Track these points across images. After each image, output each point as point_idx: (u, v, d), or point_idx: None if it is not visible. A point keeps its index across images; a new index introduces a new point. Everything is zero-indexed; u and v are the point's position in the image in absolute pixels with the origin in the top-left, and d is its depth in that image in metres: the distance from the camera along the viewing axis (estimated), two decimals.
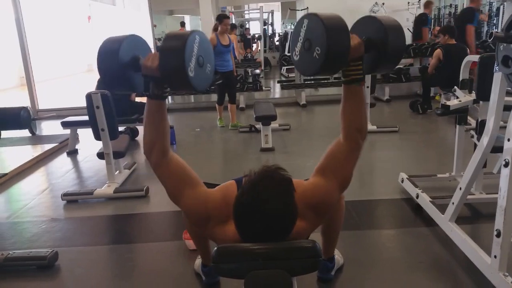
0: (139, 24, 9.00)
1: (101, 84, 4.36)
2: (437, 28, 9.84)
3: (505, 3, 1.80)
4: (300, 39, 1.37)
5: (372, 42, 1.41)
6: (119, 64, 1.34)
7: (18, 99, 8.35)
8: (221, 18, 5.13)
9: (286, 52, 9.97)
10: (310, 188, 1.46)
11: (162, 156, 1.46)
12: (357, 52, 1.39)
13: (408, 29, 10.34)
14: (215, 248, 1.25)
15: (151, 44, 7.60)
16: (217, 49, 5.04)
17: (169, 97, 7.46)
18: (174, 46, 1.28)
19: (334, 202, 1.54)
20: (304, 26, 1.35)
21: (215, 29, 5.17)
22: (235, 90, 5.68)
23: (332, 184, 1.47)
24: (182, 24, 11.32)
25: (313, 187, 1.47)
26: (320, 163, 1.53)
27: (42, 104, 7.34)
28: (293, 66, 7.18)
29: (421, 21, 7.80)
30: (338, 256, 2.10)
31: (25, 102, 6.76)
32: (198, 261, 2.11)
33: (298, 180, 1.53)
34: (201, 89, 1.40)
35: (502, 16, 8.76)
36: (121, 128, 4.22)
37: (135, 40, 1.44)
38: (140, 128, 5.04)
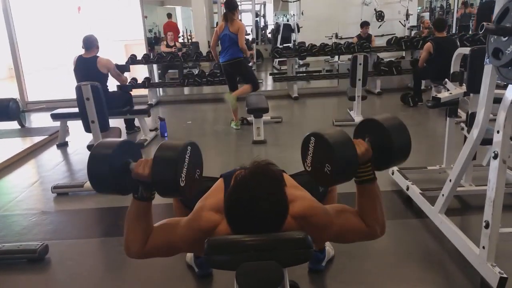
0: (129, 15, 8.89)
1: (78, 71, 4.32)
2: (427, 21, 9.90)
3: None
4: (310, 154, 1.41)
5: (377, 143, 1.44)
6: (110, 169, 1.35)
7: (7, 91, 8.23)
8: (234, 7, 4.91)
9: (278, 44, 9.93)
10: (317, 214, 1.41)
11: (140, 250, 1.43)
12: (364, 157, 1.39)
13: (400, 21, 10.38)
14: (206, 240, 1.25)
15: (142, 35, 7.53)
16: (223, 37, 4.85)
17: (160, 89, 7.41)
18: (168, 158, 1.32)
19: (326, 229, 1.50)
20: (312, 143, 1.40)
21: (225, 18, 4.89)
22: (249, 75, 5.12)
23: (333, 222, 1.44)
24: (169, 15, 11.21)
25: (312, 207, 1.42)
26: (335, 210, 1.49)
27: (32, 96, 7.25)
28: (285, 59, 7.21)
29: (489, 8, 7.71)
30: (328, 247, 2.11)
31: (14, 94, 6.67)
32: (190, 253, 2.11)
33: (291, 179, 1.53)
34: (191, 196, 1.41)
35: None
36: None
37: (127, 145, 1.46)
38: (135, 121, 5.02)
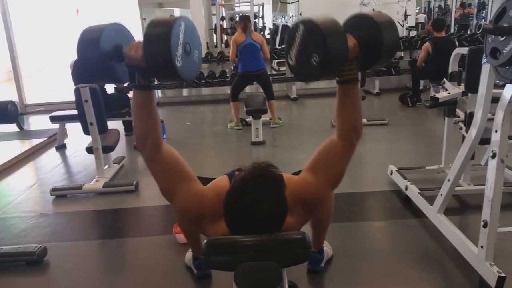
0: (128, 17, 8.89)
1: (76, 75, 4.30)
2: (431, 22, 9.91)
3: None
4: (296, 44, 1.32)
5: (365, 40, 1.37)
6: (100, 53, 1.26)
7: (5, 94, 8.23)
8: (247, 19, 4.94)
9: (276, 46, 9.94)
10: (301, 184, 1.46)
11: (155, 149, 1.42)
12: (352, 53, 1.35)
13: (398, 22, 10.39)
14: (205, 240, 1.25)
15: (140, 37, 7.50)
16: (247, 46, 4.78)
17: (159, 91, 7.41)
18: (159, 35, 1.21)
19: (324, 198, 1.54)
20: (300, 31, 1.30)
21: (244, 27, 4.84)
22: (271, 86, 5.08)
23: (323, 181, 1.47)
24: None
25: (304, 183, 1.46)
26: (312, 160, 1.52)
27: (30, 99, 7.25)
28: (284, 60, 7.19)
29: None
30: (327, 248, 2.11)
31: (13, 97, 6.66)
32: (189, 255, 2.11)
33: (289, 175, 1.52)
34: (190, 79, 1.34)
35: (491, 9, 8.83)
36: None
37: (118, 29, 1.37)
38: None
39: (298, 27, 1.31)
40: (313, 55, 1.25)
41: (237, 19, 12.49)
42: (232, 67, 6.59)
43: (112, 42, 1.30)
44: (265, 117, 4.71)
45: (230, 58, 5.16)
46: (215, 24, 11.75)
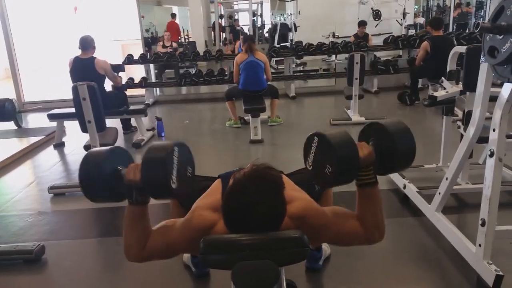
0: (126, 15, 8.87)
1: (74, 72, 4.30)
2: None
3: None
4: (312, 153, 1.41)
5: (381, 148, 1.42)
6: (102, 176, 1.37)
7: (3, 92, 8.20)
8: (252, 41, 4.86)
9: (275, 44, 9.93)
10: (314, 215, 1.41)
11: (139, 253, 1.43)
12: (367, 161, 1.38)
13: (397, 20, 10.40)
14: (202, 239, 1.25)
15: (138, 35, 7.51)
16: (249, 63, 4.67)
17: (157, 89, 7.40)
18: (155, 161, 1.32)
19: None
20: (315, 143, 1.39)
21: (249, 49, 4.73)
22: (275, 91, 5.05)
23: (329, 227, 1.43)
24: (173, 15, 11.20)
25: (309, 207, 1.42)
26: (333, 212, 1.47)
27: (28, 97, 7.23)
28: (283, 58, 7.20)
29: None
30: (325, 246, 2.11)
31: (11, 95, 6.65)
32: (187, 253, 2.11)
33: (290, 182, 1.51)
34: (185, 193, 1.43)
35: (489, 7, 8.84)
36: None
37: (117, 152, 1.48)
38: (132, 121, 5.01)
39: (314, 138, 1.40)
40: (327, 165, 1.34)
41: (236, 17, 12.50)
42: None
43: (111, 165, 1.41)
44: (263, 116, 4.71)
45: (233, 79, 5.02)
46: (213, 22, 11.73)
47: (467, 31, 9.14)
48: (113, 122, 4.47)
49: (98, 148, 1.50)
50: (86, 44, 4.36)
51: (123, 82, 5.05)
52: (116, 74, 4.63)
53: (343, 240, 1.49)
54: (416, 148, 1.45)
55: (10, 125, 5.03)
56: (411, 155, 1.46)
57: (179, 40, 10.51)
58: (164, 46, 8.44)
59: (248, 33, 4.99)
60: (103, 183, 1.38)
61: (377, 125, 1.46)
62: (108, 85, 4.64)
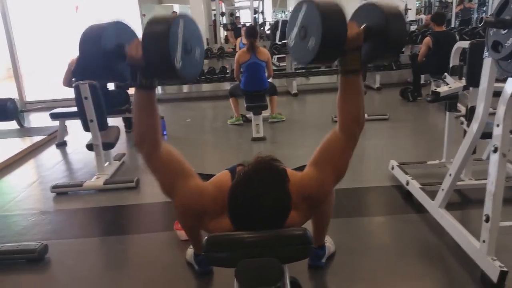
0: (127, 13, 8.89)
1: (78, 72, 4.30)
2: (429, 16, 9.87)
3: None
4: (297, 25, 1.31)
5: (372, 30, 1.35)
6: (102, 52, 1.25)
7: (5, 92, 8.22)
8: (253, 37, 4.75)
9: (277, 41, 9.90)
10: (305, 180, 1.45)
11: (154, 148, 1.42)
12: (354, 42, 1.32)
13: None
14: (206, 237, 1.24)
15: (140, 34, 7.50)
16: (251, 65, 4.63)
17: (159, 87, 7.40)
18: (157, 34, 1.20)
19: (328, 194, 1.53)
20: (302, 12, 1.28)
21: (251, 47, 4.65)
22: (274, 88, 5.03)
23: (327, 175, 1.46)
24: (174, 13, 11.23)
25: (308, 179, 1.46)
26: (315, 154, 1.51)
27: (30, 96, 7.24)
28: (285, 55, 7.18)
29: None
30: (329, 243, 2.11)
31: (13, 94, 6.65)
32: (190, 251, 2.11)
33: (293, 171, 1.52)
34: (191, 79, 1.32)
35: (492, 3, 8.79)
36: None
37: (121, 27, 1.36)
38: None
39: (302, 6, 1.29)
40: (311, 37, 1.24)
41: (237, 14, 12.47)
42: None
43: (114, 40, 1.29)
44: (265, 113, 4.70)
45: (234, 76, 5.00)
46: (213, 20, 11.72)
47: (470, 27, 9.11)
48: (115, 121, 4.47)
49: (98, 22, 1.35)
50: None
51: None
52: None
53: (338, 163, 1.49)
54: (407, 33, 1.41)
55: (13, 125, 5.04)
56: (402, 39, 1.40)
57: None
58: None
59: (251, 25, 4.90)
60: (104, 59, 1.26)
61: (371, 7, 1.40)
62: (111, 84, 4.64)
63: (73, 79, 4.27)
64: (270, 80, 4.98)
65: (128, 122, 5.02)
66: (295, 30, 1.31)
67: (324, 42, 1.22)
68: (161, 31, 1.19)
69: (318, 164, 1.48)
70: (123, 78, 1.36)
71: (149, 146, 1.41)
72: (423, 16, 11.97)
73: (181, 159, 1.48)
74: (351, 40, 1.31)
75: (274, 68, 9.23)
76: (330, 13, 1.24)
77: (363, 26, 1.36)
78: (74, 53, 4.50)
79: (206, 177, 1.80)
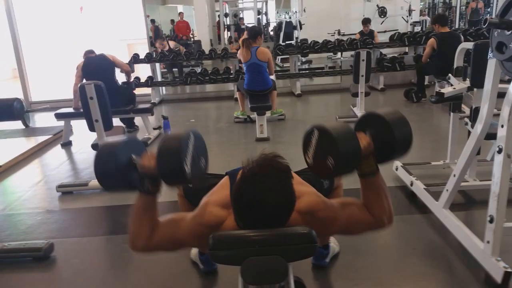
0: (132, 14, 8.92)
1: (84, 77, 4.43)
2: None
3: None
4: (312, 147, 1.41)
5: (379, 137, 1.43)
6: (116, 166, 1.40)
7: (10, 92, 8.27)
8: (260, 33, 4.82)
9: (280, 42, 9.91)
10: (320, 199, 1.41)
11: (147, 239, 1.43)
12: (367, 151, 1.38)
13: (402, 17, 10.34)
14: (211, 235, 1.25)
15: (144, 35, 7.54)
16: (251, 66, 4.68)
17: (163, 87, 7.42)
18: (171, 148, 1.35)
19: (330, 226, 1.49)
20: (315, 136, 1.39)
21: (247, 46, 4.68)
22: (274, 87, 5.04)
23: (341, 218, 1.42)
24: (179, 14, 11.25)
25: (324, 202, 1.41)
26: (341, 203, 1.47)
27: (36, 96, 7.28)
28: (288, 56, 7.20)
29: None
30: (333, 243, 2.11)
31: (18, 95, 6.69)
32: (195, 250, 2.12)
33: (305, 187, 1.49)
34: (197, 184, 1.44)
35: (496, 3, 8.77)
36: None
37: (130, 142, 1.51)
38: (137, 119, 5.03)
39: (313, 131, 1.39)
40: (328, 158, 1.34)
41: (241, 15, 12.48)
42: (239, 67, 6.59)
43: (126, 154, 1.45)
44: (269, 113, 4.71)
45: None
46: (217, 21, 11.75)
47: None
48: (114, 121, 4.49)
49: (113, 140, 1.53)
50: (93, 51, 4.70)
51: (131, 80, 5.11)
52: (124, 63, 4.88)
53: (353, 229, 1.49)
54: (412, 135, 1.45)
55: (18, 125, 5.07)
56: (408, 142, 1.46)
57: (189, 36, 10.57)
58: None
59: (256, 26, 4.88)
60: (119, 173, 1.40)
61: (373, 115, 1.47)
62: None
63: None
64: (272, 77, 5.00)
65: (128, 122, 5.04)
66: (312, 149, 1.42)
67: (342, 161, 1.33)
68: (175, 141, 1.36)
69: (341, 207, 1.44)
70: (132, 187, 1.46)
71: (141, 245, 1.44)
72: (427, 18, 11.96)
73: (173, 231, 1.45)
74: (363, 150, 1.37)
75: (278, 69, 9.27)
76: (343, 136, 1.34)
77: (368, 133, 1.44)
78: (78, 55, 4.63)
79: (211, 176, 1.82)
